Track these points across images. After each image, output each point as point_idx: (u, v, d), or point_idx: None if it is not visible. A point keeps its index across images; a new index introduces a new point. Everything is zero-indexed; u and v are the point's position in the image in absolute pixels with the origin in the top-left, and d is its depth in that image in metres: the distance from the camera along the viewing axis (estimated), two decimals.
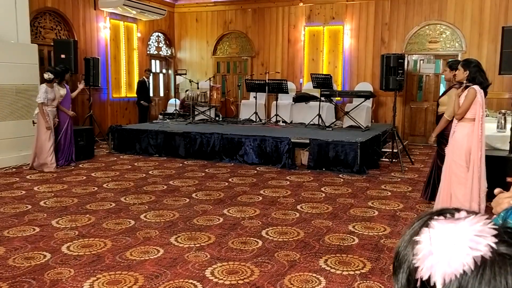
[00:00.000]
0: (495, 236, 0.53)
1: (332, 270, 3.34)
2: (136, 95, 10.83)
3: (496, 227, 0.55)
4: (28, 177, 6.47)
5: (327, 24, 10.88)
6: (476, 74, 4.33)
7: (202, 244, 3.85)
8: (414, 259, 0.56)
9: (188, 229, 4.25)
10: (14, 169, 6.93)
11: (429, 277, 0.54)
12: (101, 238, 3.97)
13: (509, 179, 1.47)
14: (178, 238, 3.98)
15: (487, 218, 0.56)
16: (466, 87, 4.36)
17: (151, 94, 12.07)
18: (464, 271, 0.52)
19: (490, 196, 4.05)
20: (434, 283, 0.53)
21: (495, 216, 1.36)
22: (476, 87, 4.29)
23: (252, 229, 4.26)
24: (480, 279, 0.51)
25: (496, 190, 1.46)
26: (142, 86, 10.65)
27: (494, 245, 0.53)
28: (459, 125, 4.43)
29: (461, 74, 4.43)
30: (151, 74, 11.61)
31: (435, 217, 0.58)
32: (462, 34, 9.76)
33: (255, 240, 3.96)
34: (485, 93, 4.44)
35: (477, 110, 4.29)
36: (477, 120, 4.31)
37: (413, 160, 7.96)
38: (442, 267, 0.53)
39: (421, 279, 0.55)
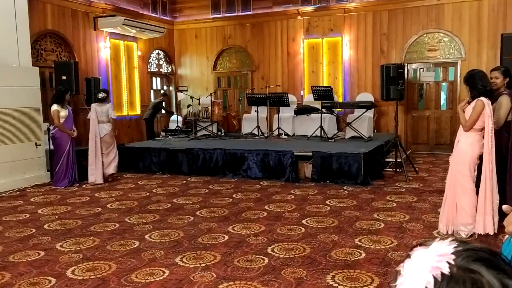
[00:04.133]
0: (454, 254, 0.60)
1: (340, 287, 3.30)
2: (147, 113, 10.86)
3: (457, 244, 0.61)
4: (32, 199, 6.46)
5: (325, 36, 10.93)
6: (478, 84, 4.32)
7: (207, 263, 3.81)
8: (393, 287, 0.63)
9: (193, 248, 4.22)
10: (18, 192, 6.93)
11: None
12: (106, 260, 3.94)
13: (504, 207, 1.42)
14: (183, 258, 3.95)
15: (452, 240, 0.62)
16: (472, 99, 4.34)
17: (174, 110, 12.24)
18: None
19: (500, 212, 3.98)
20: None
21: (507, 236, 1.32)
22: (484, 99, 4.24)
23: (257, 246, 4.23)
24: None
25: (504, 207, 1.42)
26: (158, 106, 10.78)
27: (452, 262, 0.59)
28: (464, 134, 4.40)
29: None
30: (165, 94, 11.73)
31: (415, 248, 0.64)
32: (460, 41, 9.78)
33: (261, 258, 3.92)
34: None
35: (485, 122, 4.25)
36: (486, 131, 4.25)
37: (417, 169, 7.91)
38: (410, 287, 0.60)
39: None
